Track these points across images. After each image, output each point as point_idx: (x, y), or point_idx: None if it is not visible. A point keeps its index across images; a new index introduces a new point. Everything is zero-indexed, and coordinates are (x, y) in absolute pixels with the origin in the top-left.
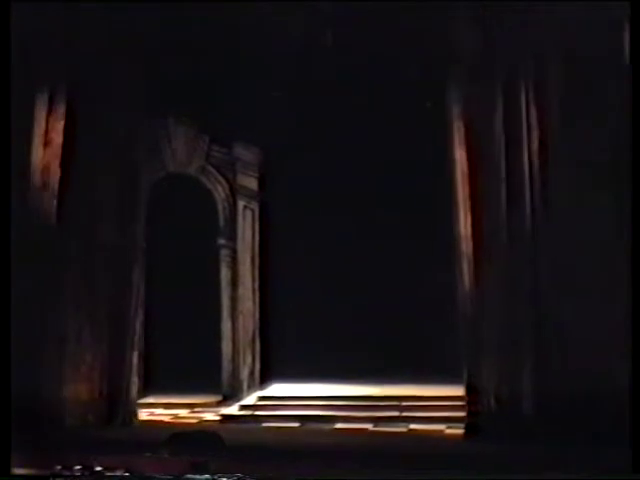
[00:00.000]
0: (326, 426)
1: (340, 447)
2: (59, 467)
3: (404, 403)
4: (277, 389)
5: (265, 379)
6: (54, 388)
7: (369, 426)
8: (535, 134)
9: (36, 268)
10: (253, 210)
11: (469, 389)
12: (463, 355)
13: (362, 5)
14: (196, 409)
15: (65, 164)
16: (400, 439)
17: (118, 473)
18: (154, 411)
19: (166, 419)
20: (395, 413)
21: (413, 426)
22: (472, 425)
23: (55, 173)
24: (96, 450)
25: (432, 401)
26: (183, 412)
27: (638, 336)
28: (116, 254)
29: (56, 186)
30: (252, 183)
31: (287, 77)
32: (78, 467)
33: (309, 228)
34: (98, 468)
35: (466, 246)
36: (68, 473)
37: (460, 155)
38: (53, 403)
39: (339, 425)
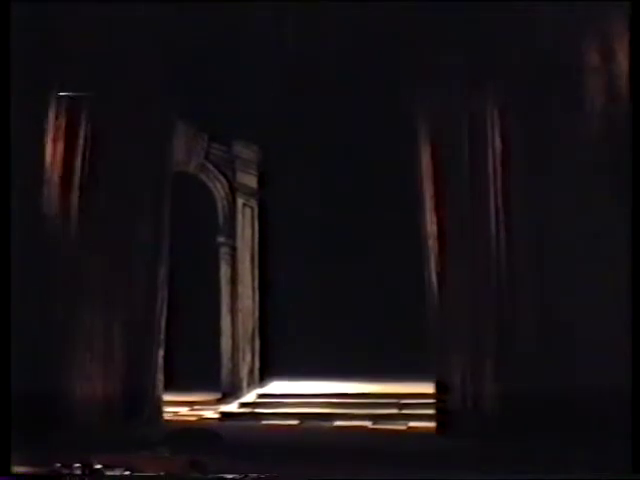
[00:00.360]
0: (325, 424)
1: (340, 445)
2: (58, 465)
3: (403, 401)
4: (276, 387)
5: (264, 377)
6: (81, 387)
7: (368, 424)
8: (497, 135)
9: (62, 268)
10: (252, 208)
11: (439, 387)
12: (434, 353)
13: (362, 7)
14: (196, 407)
15: (87, 161)
16: (399, 437)
17: (117, 471)
18: None
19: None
20: (394, 411)
21: (412, 424)
22: (443, 422)
23: (77, 171)
24: (121, 448)
25: (432, 398)
26: (183, 410)
27: (637, 335)
28: (142, 253)
29: (82, 184)
30: (251, 181)
31: (286, 76)
32: (77, 465)
33: (308, 226)
34: (98, 466)
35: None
36: (67, 471)
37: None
38: (79, 401)
39: (338, 423)
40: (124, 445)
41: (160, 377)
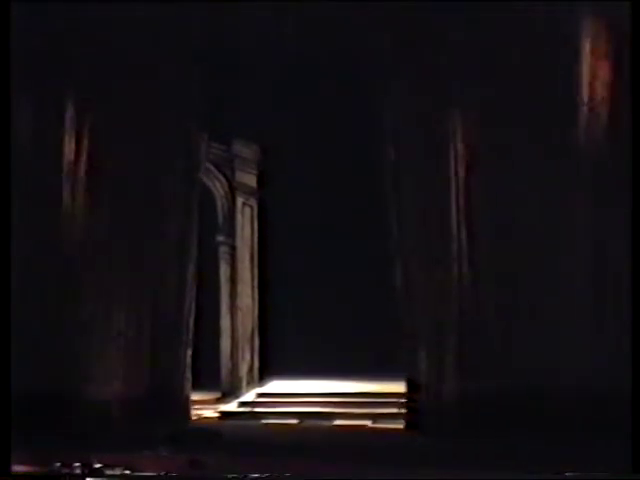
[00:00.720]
0: (325, 423)
1: (340, 444)
2: (58, 464)
3: (403, 400)
4: (276, 386)
5: (264, 376)
6: (110, 386)
7: (368, 423)
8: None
9: (88, 268)
10: (252, 207)
11: (410, 386)
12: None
13: (362, 7)
14: (195, 406)
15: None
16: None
17: (117, 470)
18: None
19: None
20: (394, 410)
21: None
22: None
23: (100, 169)
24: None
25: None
26: None
27: (637, 334)
28: (171, 251)
29: (111, 185)
30: (251, 180)
31: (286, 76)
32: (77, 464)
33: (308, 225)
34: (97, 465)
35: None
36: (67, 471)
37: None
38: (109, 401)
39: (338, 422)
40: (152, 444)
41: (188, 376)
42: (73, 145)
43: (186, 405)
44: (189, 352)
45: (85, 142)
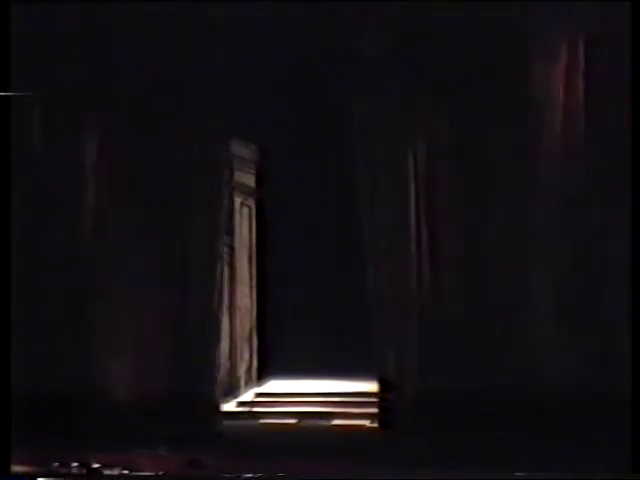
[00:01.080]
0: (324, 422)
1: (338, 444)
2: (57, 464)
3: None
4: (274, 385)
5: (262, 375)
6: (141, 386)
7: (367, 422)
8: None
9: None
10: (250, 207)
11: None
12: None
13: (362, 7)
14: None
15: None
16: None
17: (116, 470)
18: None
19: None
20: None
21: None
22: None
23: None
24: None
25: None
26: None
27: (637, 335)
28: (200, 252)
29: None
30: (249, 180)
31: (286, 76)
32: (76, 464)
33: (307, 225)
34: (96, 465)
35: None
36: (65, 470)
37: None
38: (138, 400)
39: (337, 421)
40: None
41: (217, 375)
42: (79, 148)
43: (216, 404)
44: (217, 352)
45: (88, 144)
